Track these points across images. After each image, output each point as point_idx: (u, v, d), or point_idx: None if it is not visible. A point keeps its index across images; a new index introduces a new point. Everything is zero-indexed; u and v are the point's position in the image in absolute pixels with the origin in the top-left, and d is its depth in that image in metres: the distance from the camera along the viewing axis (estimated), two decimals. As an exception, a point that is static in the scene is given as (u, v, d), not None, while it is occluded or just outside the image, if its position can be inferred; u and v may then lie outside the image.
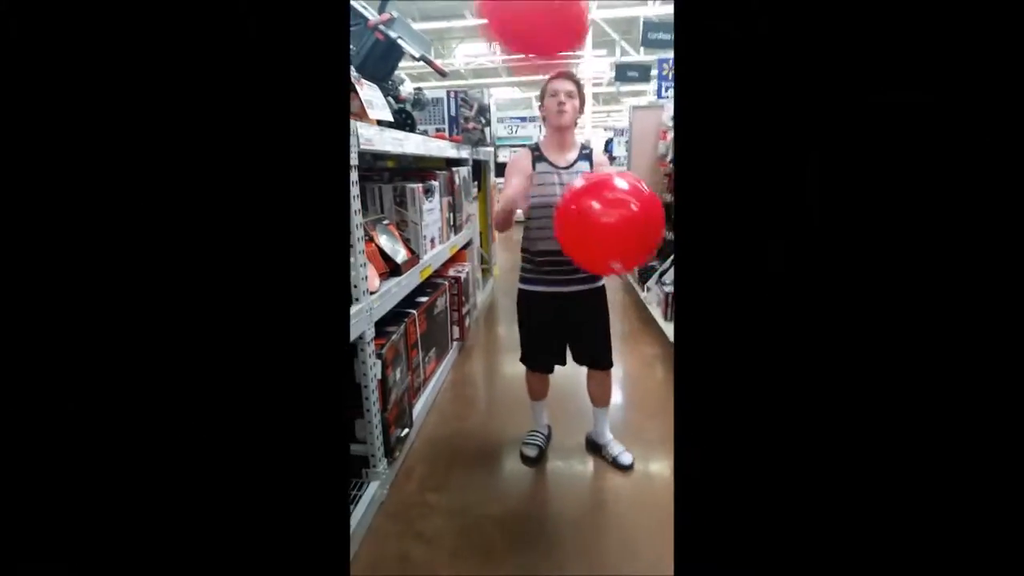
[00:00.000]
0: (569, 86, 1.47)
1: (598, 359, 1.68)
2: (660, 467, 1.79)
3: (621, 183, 1.22)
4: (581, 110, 1.49)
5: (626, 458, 1.75)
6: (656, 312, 3.10)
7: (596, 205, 1.19)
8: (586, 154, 1.53)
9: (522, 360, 1.73)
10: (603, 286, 1.62)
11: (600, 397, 1.77)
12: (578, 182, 1.27)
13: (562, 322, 1.60)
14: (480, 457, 1.83)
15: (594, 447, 1.85)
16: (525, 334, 1.68)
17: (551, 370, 1.73)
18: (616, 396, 2.39)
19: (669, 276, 3.04)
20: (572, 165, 1.51)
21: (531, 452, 1.79)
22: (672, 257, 3.06)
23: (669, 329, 2.78)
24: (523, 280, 1.62)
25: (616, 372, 2.59)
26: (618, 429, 1.91)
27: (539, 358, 1.70)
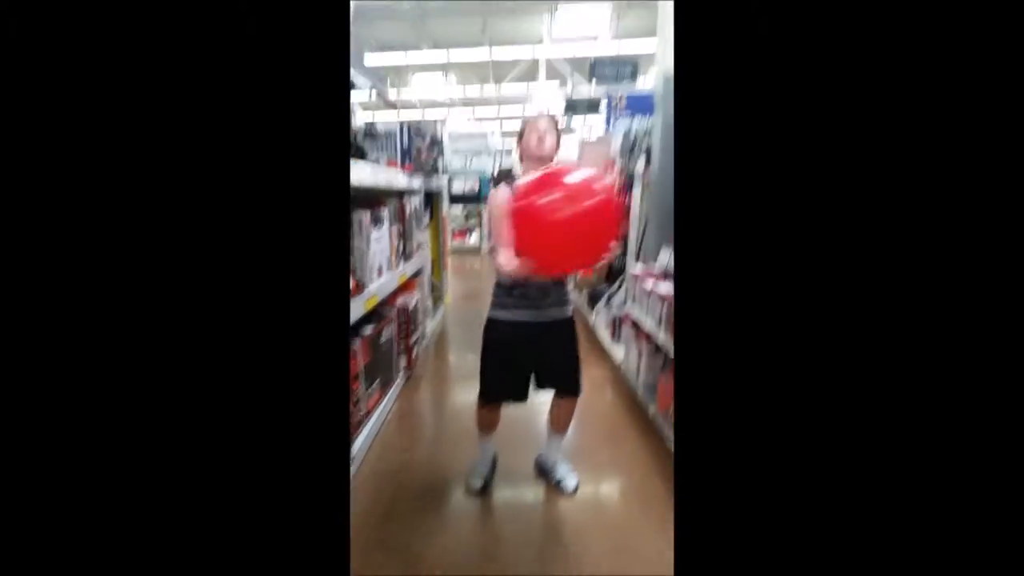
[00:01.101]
0: (546, 123, 1.57)
1: (568, 385, 1.68)
2: (610, 489, 1.80)
3: (572, 178, 1.21)
4: (557, 146, 1.57)
5: (570, 482, 1.75)
6: (604, 335, 3.16)
7: (542, 201, 1.17)
8: None
9: (481, 394, 1.69)
10: (572, 316, 1.65)
11: (561, 423, 1.77)
12: (527, 179, 1.29)
13: (530, 352, 1.60)
14: (425, 490, 1.79)
15: (542, 471, 1.85)
16: (488, 365, 1.65)
17: (514, 400, 1.67)
18: (566, 421, 2.40)
19: (616, 299, 3.12)
20: None
21: (476, 483, 1.76)
22: (620, 279, 3.14)
23: (617, 351, 2.83)
24: (493, 307, 1.62)
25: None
26: (568, 452, 1.91)
27: (500, 390, 1.67)
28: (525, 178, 1.37)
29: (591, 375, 2.83)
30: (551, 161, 1.56)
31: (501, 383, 1.65)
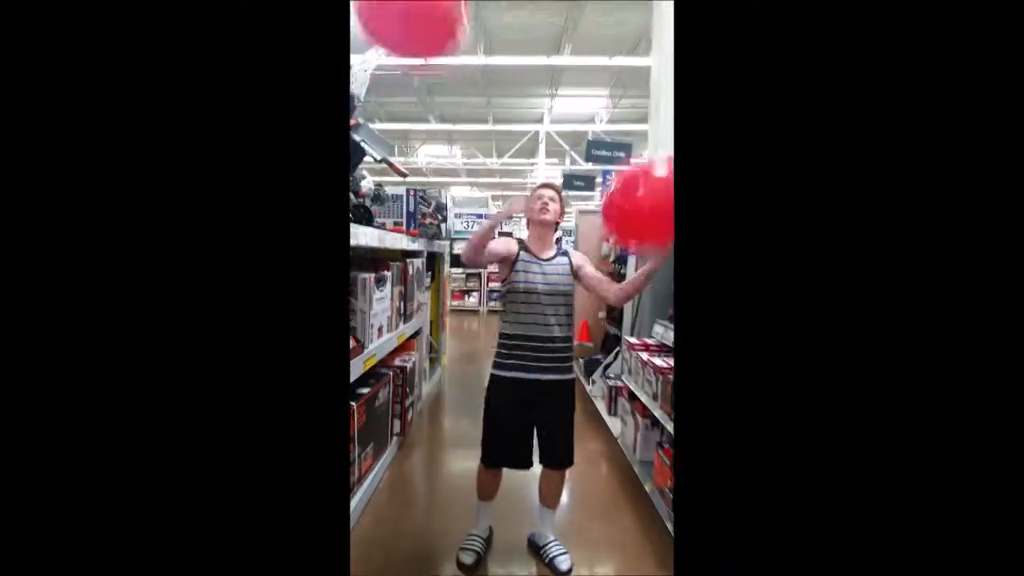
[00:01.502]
0: (551, 192, 1.68)
1: (564, 456, 1.67)
2: (605, 572, 1.72)
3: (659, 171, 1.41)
4: (561, 213, 1.69)
5: (564, 563, 1.68)
6: (600, 406, 3.13)
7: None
8: (564, 251, 1.70)
9: (483, 458, 1.67)
10: (574, 379, 1.66)
11: (552, 497, 1.73)
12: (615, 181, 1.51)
13: (531, 411, 1.61)
14: (416, 561, 1.71)
15: (536, 549, 1.77)
16: (491, 424, 1.64)
17: (517, 467, 1.65)
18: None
19: (613, 369, 3.12)
20: (553, 258, 1.67)
21: (468, 559, 1.68)
22: (615, 351, 3.16)
23: (614, 425, 2.80)
24: (496, 366, 1.64)
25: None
26: (561, 529, 1.85)
27: (501, 452, 1.65)
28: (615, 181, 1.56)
29: (587, 449, 2.77)
30: (556, 226, 1.70)
31: (503, 444, 1.64)
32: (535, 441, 1.65)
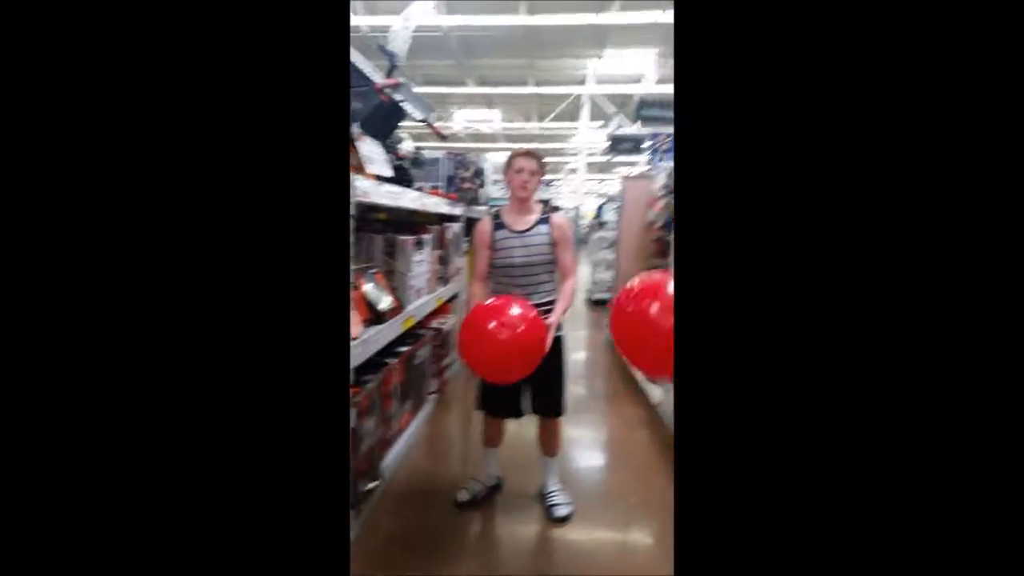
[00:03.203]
0: (533, 165, 1.62)
1: (554, 407, 1.71)
2: (640, 535, 1.72)
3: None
4: (539, 181, 1.66)
5: (561, 510, 1.72)
6: (640, 373, 3.09)
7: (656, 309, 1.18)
8: (545, 218, 1.66)
9: (479, 406, 1.75)
10: (561, 336, 1.67)
11: (548, 446, 1.78)
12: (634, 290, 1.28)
13: None
14: (450, 514, 1.76)
15: (540, 497, 1.82)
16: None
17: (507, 416, 1.74)
18: (598, 458, 2.33)
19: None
20: (531, 228, 1.65)
21: (462, 496, 1.77)
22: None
23: (652, 391, 2.76)
24: None
25: (598, 434, 2.55)
26: (599, 491, 1.86)
27: (496, 401, 1.71)
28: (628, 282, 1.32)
29: (625, 414, 2.76)
30: (529, 201, 1.66)
31: (495, 395, 1.70)
32: (529, 393, 1.70)
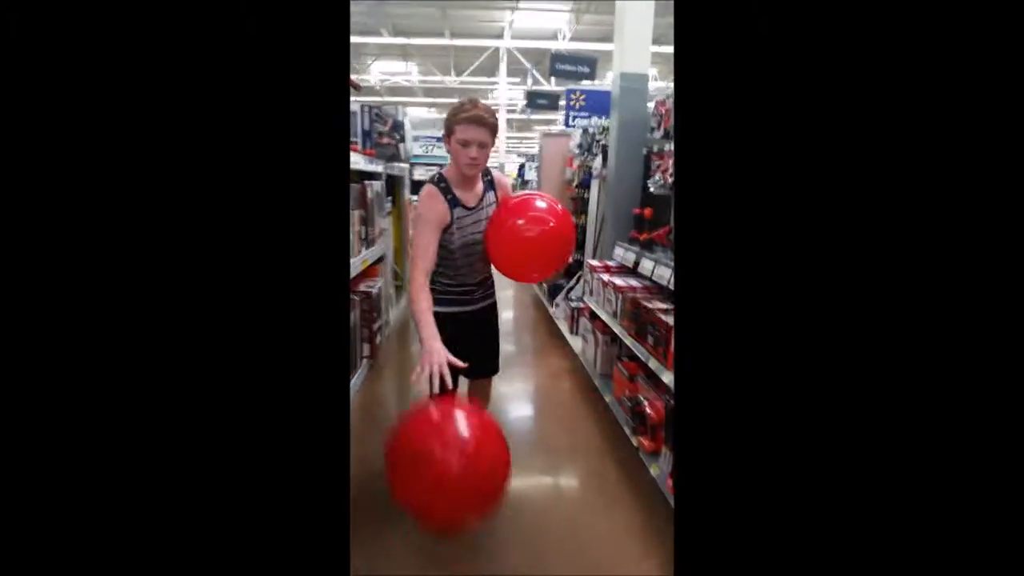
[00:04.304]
0: (483, 136, 1.28)
1: (491, 367, 1.71)
2: (567, 479, 1.87)
3: (541, 203, 1.46)
4: (489, 153, 1.37)
5: None
6: (563, 327, 3.25)
7: (521, 222, 1.41)
8: (488, 180, 1.48)
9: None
10: (495, 302, 1.67)
11: (485, 399, 1.80)
12: (508, 202, 1.45)
13: (464, 337, 1.52)
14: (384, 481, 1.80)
15: None
16: None
17: (454, 387, 1.59)
18: (527, 408, 2.46)
19: (575, 293, 3.20)
20: (481, 199, 1.45)
21: None
22: (577, 275, 3.23)
23: (575, 343, 2.92)
24: (436, 303, 1.50)
25: (527, 385, 2.68)
26: (529, 439, 1.98)
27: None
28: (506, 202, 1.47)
29: (550, 365, 2.91)
30: (474, 177, 1.40)
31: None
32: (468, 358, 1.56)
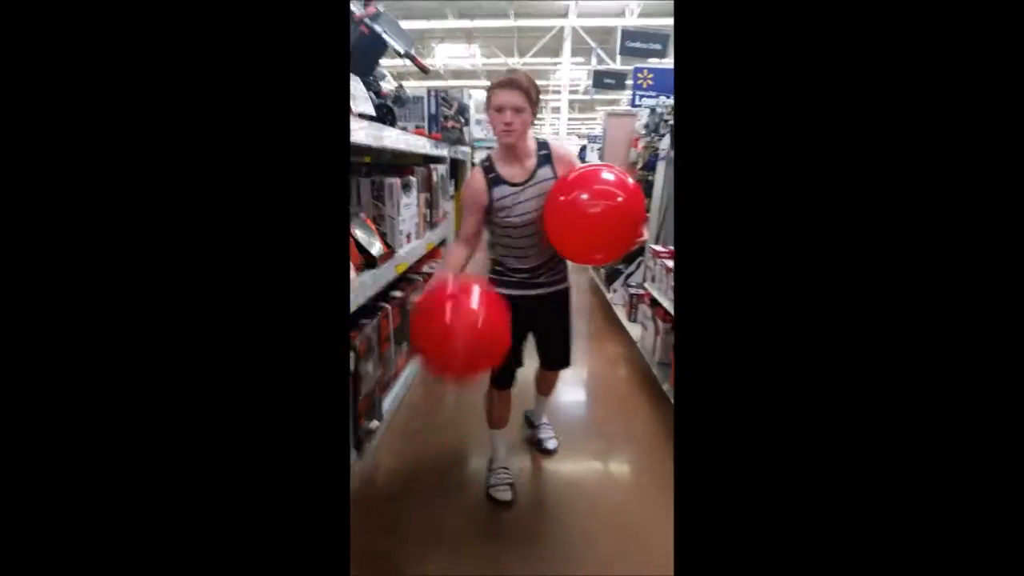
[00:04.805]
0: (516, 99, 1.23)
1: (560, 362, 1.63)
2: (619, 465, 1.87)
3: (608, 175, 1.28)
4: (534, 115, 1.29)
5: (551, 444, 1.87)
6: (621, 313, 3.20)
7: (585, 196, 1.23)
8: (544, 155, 1.37)
9: (491, 382, 1.57)
10: (567, 288, 1.56)
11: (547, 389, 1.84)
12: (570, 174, 1.30)
13: (526, 322, 1.49)
14: (448, 452, 1.88)
15: (530, 424, 1.99)
16: None
17: (513, 382, 1.59)
18: (580, 393, 2.47)
19: (634, 279, 3.15)
20: (532, 175, 1.35)
21: (506, 495, 1.58)
22: (637, 260, 3.17)
23: (633, 330, 2.88)
24: (490, 283, 1.48)
25: (581, 371, 2.68)
26: (581, 424, 1.99)
27: (505, 365, 1.46)
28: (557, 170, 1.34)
29: (607, 351, 2.88)
30: (519, 146, 1.32)
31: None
32: (532, 346, 1.59)
